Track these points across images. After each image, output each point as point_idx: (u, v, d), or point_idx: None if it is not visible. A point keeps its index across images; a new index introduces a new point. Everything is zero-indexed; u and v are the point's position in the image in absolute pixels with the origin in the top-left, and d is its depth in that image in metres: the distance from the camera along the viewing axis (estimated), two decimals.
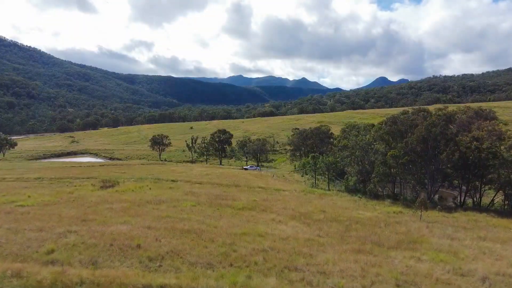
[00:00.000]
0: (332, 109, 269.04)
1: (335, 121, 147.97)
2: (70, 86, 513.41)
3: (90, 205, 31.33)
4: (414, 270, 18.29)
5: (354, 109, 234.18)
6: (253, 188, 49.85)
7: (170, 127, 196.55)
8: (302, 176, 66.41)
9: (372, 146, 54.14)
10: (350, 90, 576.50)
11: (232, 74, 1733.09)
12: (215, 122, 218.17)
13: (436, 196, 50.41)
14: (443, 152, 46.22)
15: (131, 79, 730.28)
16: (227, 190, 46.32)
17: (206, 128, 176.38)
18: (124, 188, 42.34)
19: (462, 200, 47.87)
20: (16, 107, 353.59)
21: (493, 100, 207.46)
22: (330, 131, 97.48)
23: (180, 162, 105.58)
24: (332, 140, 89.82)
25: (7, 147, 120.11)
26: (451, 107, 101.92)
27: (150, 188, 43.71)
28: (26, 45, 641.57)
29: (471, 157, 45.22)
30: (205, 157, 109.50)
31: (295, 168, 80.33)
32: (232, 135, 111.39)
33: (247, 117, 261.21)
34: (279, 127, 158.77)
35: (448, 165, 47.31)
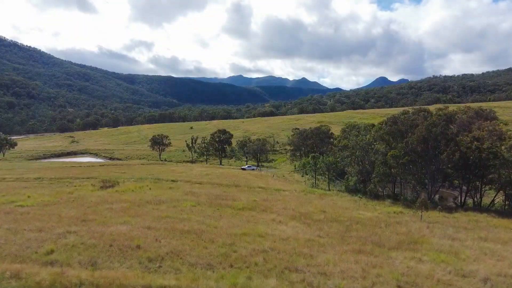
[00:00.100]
0: (332, 109, 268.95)
1: (335, 121, 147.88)
2: (70, 86, 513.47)
3: (90, 205, 31.28)
4: (415, 271, 18.22)
5: (354, 109, 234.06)
6: (253, 188, 49.78)
7: (170, 127, 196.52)
8: (302, 176, 66.34)
9: (373, 146, 54.07)
10: (350, 90, 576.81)
11: (232, 74, 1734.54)
12: (215, 122, 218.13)
13: (437, 196, 50.33)
14: (444, 152, 46.14)
15: (131, 79, 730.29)
16: (227, 190, 46.26)
17: (206, 128, 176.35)
18: (124, 188, 42.28)
19: (462, 200, 47.79)
20: (16, 107, 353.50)
21: (493, 100, 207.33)
22: (330, 131, 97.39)
23: (180, 162, 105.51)
24: (332, 140, 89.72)
25: (7, 147, 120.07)
26: (452, 107, 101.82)
27: (150, 188, 43.66)
28: (26, 45, 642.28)
29: (471, 157, 45.13)
30: (205, 157, 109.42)
31: (295, 168, 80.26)
32: (232, 135, 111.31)
33: (247, 117, 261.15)
34: (279, 127, 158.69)
35: (449, 165, 47.23)
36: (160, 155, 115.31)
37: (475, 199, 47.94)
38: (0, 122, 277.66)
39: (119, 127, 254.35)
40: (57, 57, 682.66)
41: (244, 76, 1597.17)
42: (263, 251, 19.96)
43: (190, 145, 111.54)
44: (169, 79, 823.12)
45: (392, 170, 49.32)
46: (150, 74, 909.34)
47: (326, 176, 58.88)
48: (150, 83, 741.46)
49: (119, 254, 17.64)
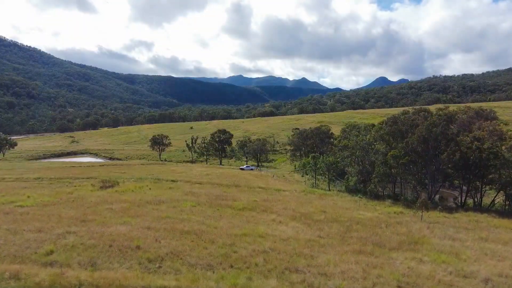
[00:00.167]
0: (332, 109, 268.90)
1: (335, 121, 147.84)
2: (70, 86, 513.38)
3: (90, 206, 31.21)
4: (416, 271, 18.16)
5: (354, 109, 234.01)
6: (253, 189, 49.73)
7: (170, 127, 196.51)
8: (302, 176, 66.29)
9: (373, 146, 54.03)
10: (350, 90, 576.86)
11: (232, 74, 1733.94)
12: (215, 122, 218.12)
13: (437, 197, 50.28)
14: (444, 152, 46.10)
15: (131, 79, 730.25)
16: (227, 191, 46.21)
17: (206, 128, 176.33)
18: (124, 188, 42.22)
19: (463, 201, 47.75)
20: (16, 107, 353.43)
21: (493, 100, 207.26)
22: (330, 131, 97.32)
23: (180, 162, 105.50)
24: (332, 140, 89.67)
25: (7, 147, 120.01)
26: (452, 107, 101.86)
27: (150, 188, 43.61)
28: (26, 45, 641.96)
29: (472, 157, 45.08)
30: (205, 157, 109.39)
31: (295, 168, 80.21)
32: (232, 135, 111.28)
33: (247, 117, 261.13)
34: (279, 127, 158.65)
35: (449, 165, 47.19)
36: (160, 155, 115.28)
37: (476, 199, 47.89)
38: (0, 122, 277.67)
39: (119, 127, 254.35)
40: (57, 57, 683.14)
41: (244, 76, 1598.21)
42: (263, 251, 19.91)
43: (190, 145, 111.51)
44: (169, 79, 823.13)
45: (393, 170, 49.29)
46: (150, 74, 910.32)
47: (326, 176, 58.84)
48: (150, 83, 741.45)
49: (118, 255, 17.58)
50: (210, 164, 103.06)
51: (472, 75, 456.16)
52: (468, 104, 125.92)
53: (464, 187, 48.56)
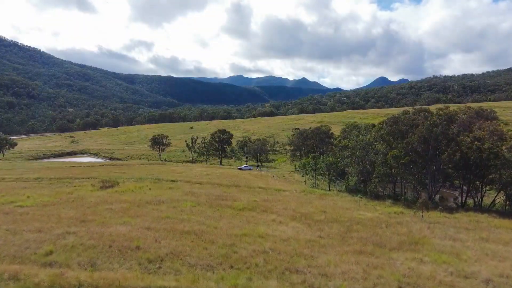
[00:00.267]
0: (332, 109, 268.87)
1: (335, 121, 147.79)
2: (70, 86, 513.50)
3: (90, 206, 31.17)
4: (416, 272, 18.10)
5: (354, 109, 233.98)
6: (254, 189, 49.67)
7: (170, 127, 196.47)
8: (302, 176, 66.25)
9: (373, 146, 53.95)
10: (350, 90, 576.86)
11: (232, 74, 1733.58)
12: (215, 122, 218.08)
13: (437, 197, 50.20)
14: (444, 152, 46.03)
15: (131, 79, 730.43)
16: (227, 191, 46.15)
17: (206, 128, 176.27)
18: (124, 189, 42.16)
19: (463, 201, 47.68)
20: (16, 107, 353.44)
21: (494, 100, 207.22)
22: (331, 131, 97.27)
23: (180, 162, 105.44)
24: (332, 140, 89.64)
25: (7, 147, 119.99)
26: (452, 107, 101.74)
27: (150, 189, 43.54)
28: (26, 45, 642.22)
29: (472, 157, 45.02)
30: (205, 157, 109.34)
31: (295, 168, 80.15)
32: (232, 135, 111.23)
33: (247, 117, 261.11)
34: (279, 127, 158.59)
35: (449, 165, 47.11)
36: (160, 155, 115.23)
37: (476, 199, 47.82)
38: (0, 122, 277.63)
39: (119, 127, 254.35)
40: (57, 57, 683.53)
41: (244, 76, 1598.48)
42: (263, 252, 19.86)
43: (190, 145, 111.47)
44: (169, 79, 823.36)
45: (393, 170, 49.23)
46: (150, 74, 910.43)
47: (327, 176, 58.78)
48: (150, 83, 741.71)
49: (118, 255, 17.54)
50: (210, 164, 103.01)
51: (472, 75, 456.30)
52: (468, 104, 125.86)
53: (465, 187, 48.49)
